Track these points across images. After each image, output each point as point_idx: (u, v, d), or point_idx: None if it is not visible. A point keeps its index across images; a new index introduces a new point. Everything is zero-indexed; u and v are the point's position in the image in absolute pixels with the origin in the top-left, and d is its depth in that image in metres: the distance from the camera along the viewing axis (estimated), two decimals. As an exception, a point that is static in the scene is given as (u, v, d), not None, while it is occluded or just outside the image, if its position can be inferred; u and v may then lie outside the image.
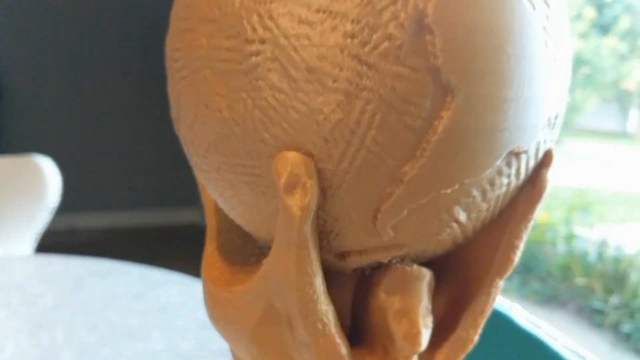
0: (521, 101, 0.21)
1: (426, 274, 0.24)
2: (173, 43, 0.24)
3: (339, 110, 0.20)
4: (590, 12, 2.36)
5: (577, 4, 2.35)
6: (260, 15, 0.21)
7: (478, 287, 0.25)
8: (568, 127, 2.44)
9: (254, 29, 0.21)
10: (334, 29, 0.20)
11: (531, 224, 0.25)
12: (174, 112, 0.25)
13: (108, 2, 2.79)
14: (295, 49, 0.20)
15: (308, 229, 0.22)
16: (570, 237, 2.11)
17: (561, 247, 2.11)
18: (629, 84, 2.55)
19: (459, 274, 0.26)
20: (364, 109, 0.20)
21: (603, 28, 2.40)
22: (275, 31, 0.21)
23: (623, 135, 2.73)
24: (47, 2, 2.73)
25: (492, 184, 0.22)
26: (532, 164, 0.24)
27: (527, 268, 2.02)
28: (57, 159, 2.00)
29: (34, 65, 2.76)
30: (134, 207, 2.91)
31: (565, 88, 0.24)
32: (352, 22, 0.20)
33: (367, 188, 0.21)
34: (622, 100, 2.64)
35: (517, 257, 0.25)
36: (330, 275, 0.24)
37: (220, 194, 0.24)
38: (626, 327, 1.76)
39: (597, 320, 1.83)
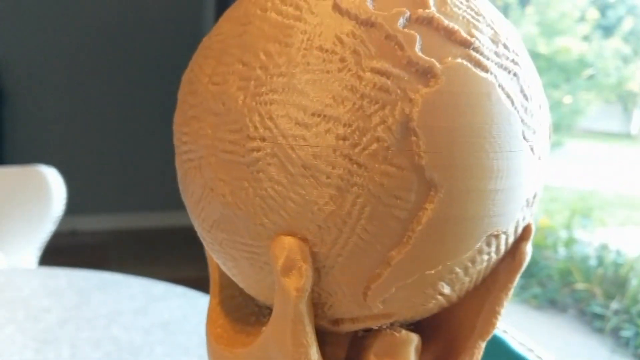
0: (500, 191, 0.23)
1: (414, 339, 0.26)
2: (181, 126, 0.26)
3: (331, 203, 0.22)
4: (593, 14, 2.36)
5: (580, 6, 2.35)
6: (261, 115, 0.23)
7: (462, 348, 0.27)
8: (571, 129, 2.44)
9: (256, 127, 0.23)
10: (327, 131, 0.22)
11: (512, 291, 0.26)
12: (180, 185, 0.27)
13: (112, 11, 2.80)
14: (292, 147, 0.22)
15: (303, 306, 0.23)
16: (570, 242, 2.12)
17: (562, 252, 2.13)
18: (633, 86, 2.55)
19: (444, 334, 0.28)
20: (355, 202, 0.22)
21: (606, 30, 2.40)
22: (275, 131, 0.22)
23: (627, 136, 2.73)
24: (51, 11, 2.75)
25: (473, 261, 0.24)
26: (511, 240, 0.25)
27: (528, 272, 2.04)
28: (59, 161, 2.02)
29: (36, 72, 2.77)
30: (136, 210, 2.92)
31: (543, 167, 0.25)
32: (344, 125, 0.22)
33: (358, 269, 0.23)
34: (626, 101, 2.64)
35: (499, 321, 0.26)
36: (326, 335, 0.26)
37: (223, 263, 0.26)
38: (626, 333, 1.77)
39: (598, 325, 1.85)
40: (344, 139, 0.22)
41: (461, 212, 0.22)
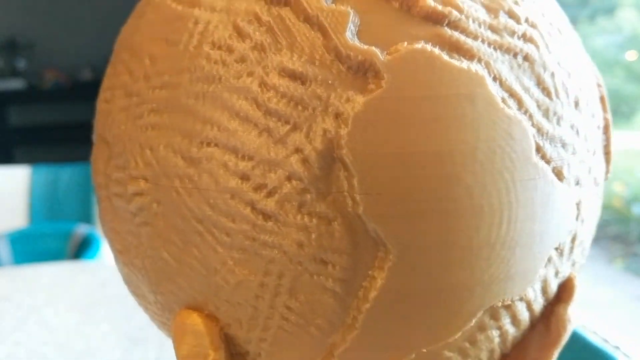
0: (500, 245, 0.15)
1: None
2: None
3: (237, 270, 0.16)
4: None
5: None
6: (141, 146, 0.17)
7: None
8: None
9: (136, 163, 0.17)
10: (221, 167, 0.15)
11: None
12: None
13: None
14: (178, 192, 0.16)
15: None
16: None
17: None
18: None
19: None
20: (268, 270, 0.15)
21: None
22: (156, 168, 0.16)
23: None
24: None
25: (472, 342, 0.17)
26: (538, 304, 0.18)
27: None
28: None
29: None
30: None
31: (589, 191, 0.17)
32: (244, 158, 0.15)
33: (292, 358, 0.17)
34: None
35: None
36: None
37: None
38: None
39: None
40: (244, 177, 0.15)
41: (433, 281, 0.15)
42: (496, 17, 0.16)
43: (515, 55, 0.16)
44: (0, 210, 1.30)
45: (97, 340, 0.72)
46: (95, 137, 0.19)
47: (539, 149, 0.16)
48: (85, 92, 3.08)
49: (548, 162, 0.16)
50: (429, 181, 0.15)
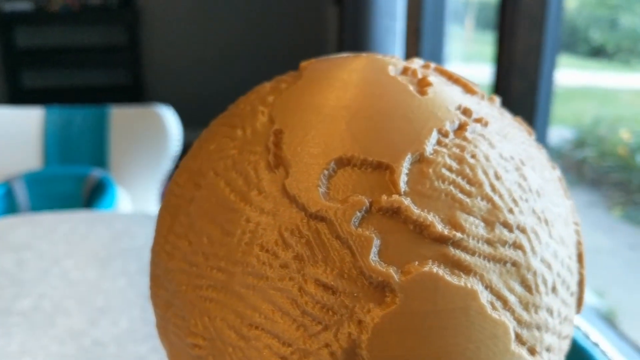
0: None
1: None
2: (150, 279, 0.25)
3: None
4: None
5: None
6: (200, 313, 0.21)
7: None
8: None
9: (196, 323, 0.21)
10: (266, 347, 0.19)
11: None
12: None
13: None
14: (231, 356, 0.20)
15: None
16: None
17: None
18: None
19: None
20: None
21: None
22: (213, 333, 0.20)
23: None
24: None
25: None
26: None
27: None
28: (192, 79, 2.05)
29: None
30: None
31: (557, 349, 0.21)
32: (284, 344, 0.19)
33: None
34: None
35: None
36: None
37: None
38: None
39: None
40: (284, 359, 0.19)
41: None
42: (492, 229, 0.19)
43: (504, 263, 0.19)
44: (15, 152, 1.33)
45: (115, 296, 0.76)
46: (152, 273, 0.23)
47: (517, 336, 0.19)
48: (93, 16, 3.05)
49: (524, 344, 0.20)
50: None
